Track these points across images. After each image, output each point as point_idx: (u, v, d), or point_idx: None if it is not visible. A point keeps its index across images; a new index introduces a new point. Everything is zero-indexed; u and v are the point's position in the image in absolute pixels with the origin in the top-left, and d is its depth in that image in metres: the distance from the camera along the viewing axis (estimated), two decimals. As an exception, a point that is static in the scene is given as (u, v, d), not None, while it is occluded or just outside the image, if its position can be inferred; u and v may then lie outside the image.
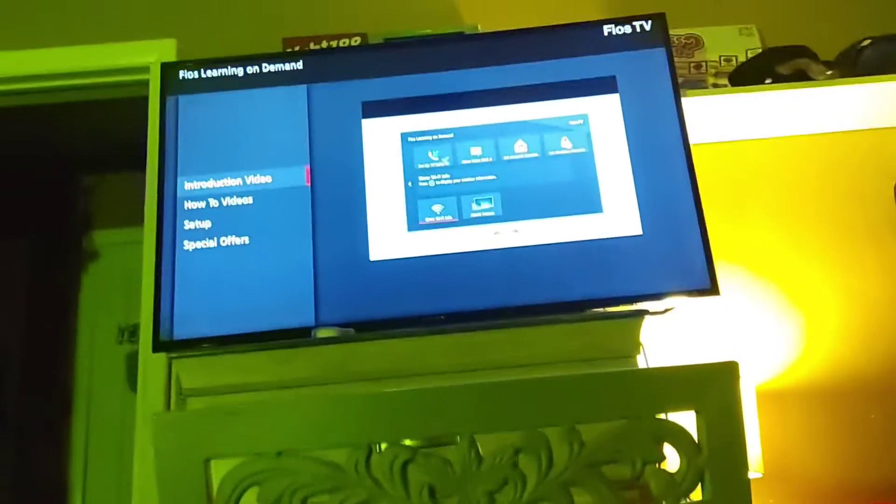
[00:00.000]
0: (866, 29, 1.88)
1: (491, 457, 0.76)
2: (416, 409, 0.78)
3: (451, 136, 1.61)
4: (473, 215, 1.54)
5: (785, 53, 1.74)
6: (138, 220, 1.88)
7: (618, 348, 1.37)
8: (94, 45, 2.06)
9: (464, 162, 1.58)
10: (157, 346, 1.44)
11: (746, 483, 0.78)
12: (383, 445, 0.77)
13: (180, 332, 1.45)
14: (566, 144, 1.59)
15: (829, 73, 1.70)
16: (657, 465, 0.78)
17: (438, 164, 1.58)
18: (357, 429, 0.77)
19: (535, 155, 1.58)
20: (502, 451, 0.76)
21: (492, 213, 1.54)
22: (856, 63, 1.70)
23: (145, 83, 2.01)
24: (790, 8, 2.03)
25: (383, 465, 0.76)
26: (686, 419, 0.79)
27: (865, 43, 1.72)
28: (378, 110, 1.63)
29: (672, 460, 0.79)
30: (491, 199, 1.55)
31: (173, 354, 1.45)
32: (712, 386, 0.78)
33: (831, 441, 1.68)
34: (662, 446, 0.77)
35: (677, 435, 0.78)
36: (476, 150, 1.59)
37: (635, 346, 1.38)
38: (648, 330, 1.41)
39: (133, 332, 2.89)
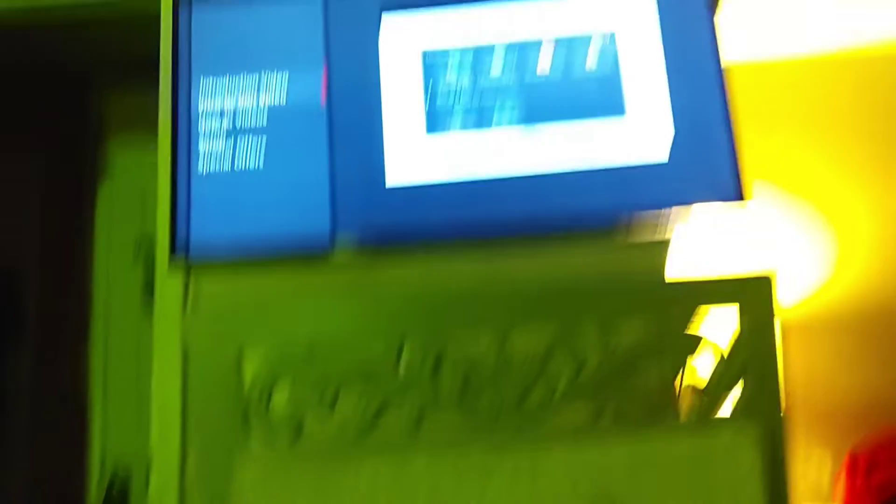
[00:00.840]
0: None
1: (523, 355, 0.74)
2: (449, 306, 0.76)
3: (471, 56, 1.54)
4: (494, 125, 1.49)
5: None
6: (152, 135, 1.86)
7: (643, 271, 1.32)
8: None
9: (484, 78, 1.52)
10: (174, 265, 1.43)
11: (779, 395, 0.75)
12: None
13: (196, 252, 1.44)
14: (593, 58, 1.52)
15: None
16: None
17: (459, 83, 1.52)
18: (391, 324, 0.75)
19: (560, 70, 1.52)
20: (535, 348, 0.73)
21: (513, 124, 1.49)
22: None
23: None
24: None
25: (414, 360, 0.74)
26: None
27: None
28: (397, 4, 1.56)
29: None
30: (512, 106, 1.50)
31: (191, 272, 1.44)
32: (748, 295, 0.74)
33: (858, 368, 1.63)
34: (700, 342, 0.74)
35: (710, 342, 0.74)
36: (497, 67, 1.53)
37: (661, 268, 1.33)
38: (675, 251, 1.36)
39: (150, 246, 2.87)
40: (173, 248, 1.43)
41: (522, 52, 1.54)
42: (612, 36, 1.53)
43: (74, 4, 2.04)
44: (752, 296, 0.76)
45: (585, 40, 1.53)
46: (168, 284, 1.58)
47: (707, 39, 1.50)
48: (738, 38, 1.64)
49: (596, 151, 1.46)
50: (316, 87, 1.54)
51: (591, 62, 1.52)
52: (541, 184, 1.45)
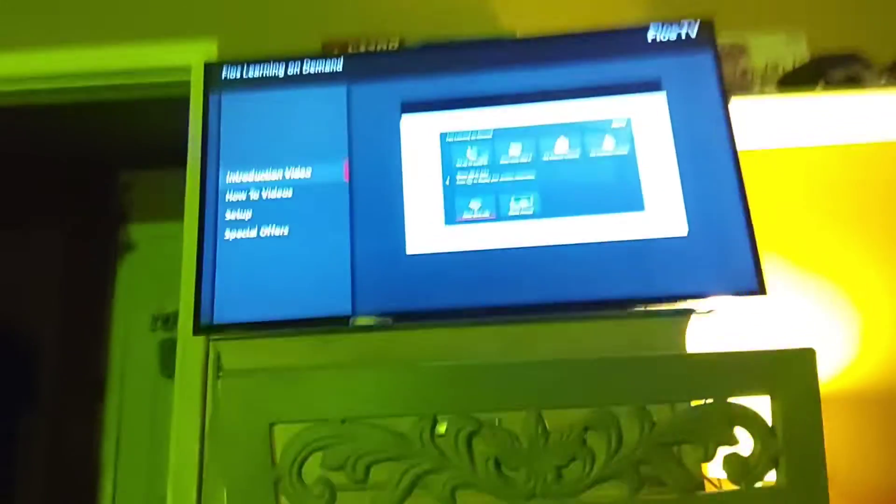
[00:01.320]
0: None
1: (559, 432, 0.74)
2: (483, 381, 0.76)
3: (490, 136, 1.60)
4: (511, 212, 1.53)
5: (836, 60, 1.70)
6: (173, 215, 1.89)
7: (663, 347, 1.34)
8: (137, 44, 2.09)
9: (503, 161, 1.57)
10: (198, 329, 1.44)
11: (823, 470, 0.74)
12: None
13: (220, 317, 1.46)
14: (608, 145, 1.57)
15: (884, 80, 1.66)
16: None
17: (477, 163, 1.57)
18: (423, 399, 0.76)
19: (576, 155, 1.56)
20: (571, 427, 0.74)
21: (530, 211, 1.52)
22: (910, 69, 1.67)
23: (186, 83, 2.04)
24: (840, 14, 2.00)
25: (449, 436, 0.74)
26: (758, 404, 0.76)
27: (920, 49, 1.68)
28: (417, 108, 1.63)
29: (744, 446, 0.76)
30: (530, 197, 1.54)
31: (214, 336, 1.45)
32: (789, 371, 0.75)
33: (883, 447, 1.61)
34: (735, 429, 0.74)
35: (751, 419, 0.75)
36: (515, 150, 1.58)
37: (680, 345, 1.34)
38: (697, 328, 1.38)
39: (166, 321, 2.94)
40: (198, 314, 1.45)
41: (540, 136, 1.58)
42: (629, 122, 1.58)
43: (106, 86, 2.11)
44: (794, 371, 0.76)
45: (602, 127, 1.58)
46: (190, 351, 1.59)
47: (721, 132, 1.55)
48: (751, 126, 1.70)
49: (615, 240, 1.48)
50: (339, 173, 1.59)
51: (609, 147, 1.56)
52: (560, 258, 1.47)
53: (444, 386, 0.78)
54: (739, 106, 1.63)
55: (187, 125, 1.96)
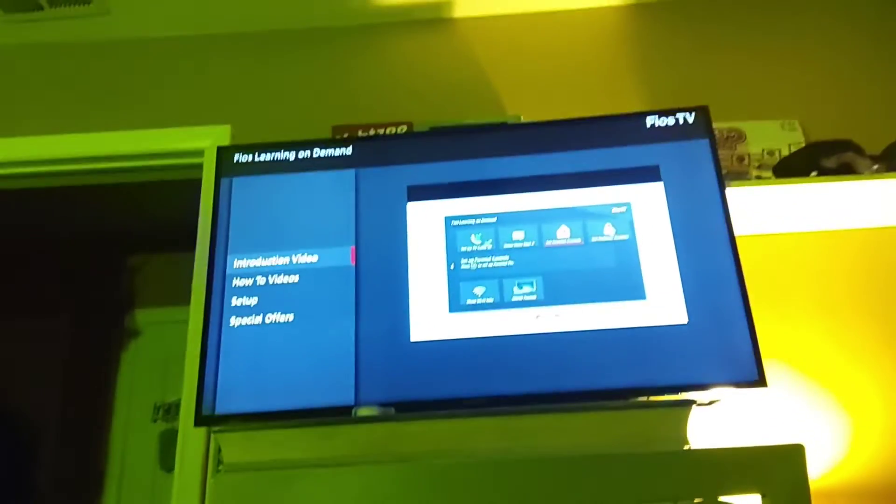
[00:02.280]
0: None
1: None
2: (481, 480, 0.77)
3: (494, 220, 1.63)
4: (515, 298, 1.54)
5: (830, 147, 1.74)
6: (180, 299, 1.92)
7: (663, 438, 1.33)
8: (152, 129, 2.16)
9: (506, 246, 1.60)
10: (199, 420, 1.44)
11: None
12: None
13: (222, 407, 1.46)
14: (609, 231, 1.60)
15: (876, 167, 1.69)
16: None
17: (481, 248, 1.60)
18: (422, 498, 0.76)
19: (578, 241, 1.59)
20: None
21: (533, 297, 1.54)
22: (902, 157, 1.71)
23: (198, 166, 2.09)
24: (833, 102, 2.06)
25: None
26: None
27: (911, 137, 1.73)
28: (423, 194, 1.67)
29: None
30: (533, 282, 1.56)
31: (215, 428, 1.45)
32: (779, 468, 0.75)
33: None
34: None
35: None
36: (518, 235, 1.61)
37: (681, 436, 1.34)
38: (694, 421, 1.37)
39: (168, 411, 2.92)
40: (200, 404, 1.45)
41: (543, 221, 1.61)
42: (629, 206, 1.61)
43: (119, 168, 2.17)
44: (784, 467, 0.76)
45: (603, 213, 1.61)
46: (191, 443, 1.59)
47: (719, 219, 1.58)
48: (748, 212, 1.74)
49: (616, 327, 1.49)
50: (346, 258, 1.62)
51: (609, 235, 1.59)
52: (562, 345, 1.48)
53: (441, 485, 0.78)
54: (736, 193, 1.66)
55: (198, 208, 2.00)
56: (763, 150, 1.95)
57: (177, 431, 2.78)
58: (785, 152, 1.93)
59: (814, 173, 1.71)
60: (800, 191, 1.69)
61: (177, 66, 2.28)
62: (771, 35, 2.18)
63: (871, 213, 1.80)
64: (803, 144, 1.93)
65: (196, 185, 2.06)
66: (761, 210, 1.77)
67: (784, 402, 1.69)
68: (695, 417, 1.39)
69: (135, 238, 3.35)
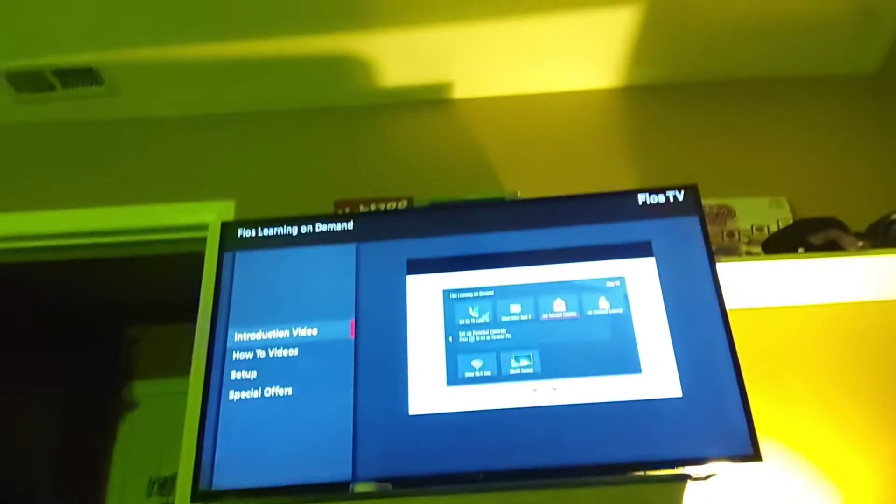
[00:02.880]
0: (894, 201, 1.96)
1: None
2: None
3: (492, 293, 1.66)
4: (512, 371, 1.57)
5: (816, 224, 1.79)
6: (178, 370, 1.92)
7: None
8: (158, 204, 2.21)
9: (503, 319, 1.63)
10: (196, 496, 1.44)
11: None
12: None
13: (220, 483, 1.45)
14: (604, 305, 1.63)
15: (861, 244, 1.74)
16: None
17: (479, 321, 1.63)
18: None
19: (574, 314, 1.62)
20: None
21: (531, 370, 1.56)
22: (886, 235, 1.75)
23: (202, 240, 2.13)
24: (819, 181, 2.12)
25: None
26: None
27: (894, 216, 1.77)
28: (422, 267, 1.71)
29: None
30: (530, 355, 1.58)
31: None
32: None
33: None
34: None
35: None
36: (516, 308, 1.64)
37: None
38: (690, 497, 1.38)
39: (163, 485, 2.87)
40: (197, 479, 1.44)
41: (539, 294, 1.65)
42: (623, 280, 1.65)
43: (124, 243, 2.21)
44: None
45: (598, 286, 1.64)
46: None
47: (710, 293, 1.62)
48: (737, 287, 1.77)
49: (612, 401, 1.51)
50: (345, 331, 1.64)
51: (605, 308, 1.62)
52: (558, 419, 1.49)
53: None
54: (726, 269, 1.70)
55: (200, 281, 2.04)
56: (752, 226, 2.00)
57: (170, 507, 2.77)
58: (773, 228, 1.98)
59: (801, 249, 1.76)
60: (787, 267, 1.73)
61: (183, 144, 2.35)
62: (760, 116, 2.27)
63: (856, 289, 1.84)
64: (791, 221, 1.98)
65: (199, 258, 2.10)
66: (751, 286, 1.81)
67: (776, 479, 1.69)
68: (691, 493, 1.39)
69: (137, 309, 3.36)
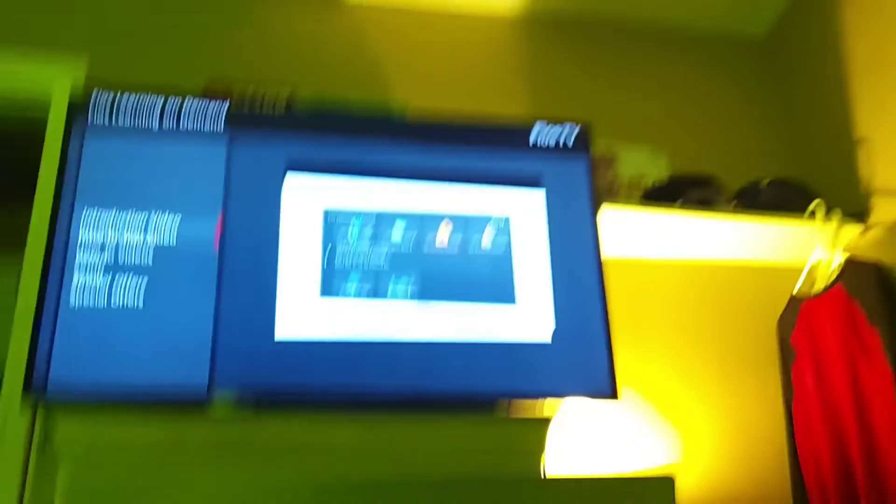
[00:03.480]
0: (767, 166, 2.07)
1: None
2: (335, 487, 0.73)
3: (374, 220, 1.57)
4: (390, 292, 1.51)
5: (694, 181, 1.86)
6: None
7: (522, 449, 1.37)
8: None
9: (383, 247, 1.55)
10: (29, 392, 1.27)
11: None
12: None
13: (57, 380, 1.29)
14: (486, 243, 1.60)
15: (734, 203, 1.82)
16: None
17: (358, 246, 1.54)
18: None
19: (455, 251, 1.58)
20: None
21: (406, 293, 1.51)
22: (754, 199, 1.85)
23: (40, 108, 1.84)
24: (698, 138, 2.21)
25: None
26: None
27: (764, 182, 1.87)
28: (302, 166, 1.58)
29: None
30: (407, 281, 1.53)
31: (50, 403, 1.29)
32: (651, 499, 0.79)
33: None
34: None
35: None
36: (397, 237, 1.57)
37: (540, 445, 1.38)
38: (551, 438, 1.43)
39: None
40: (28, 383, 1.27)
41: (422, 224, 1.59)
42: (507, 220, 1.62)
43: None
44: (655, 496, 0.80)
45: (482, 221, 1.61)
46: (15, 424, 1.40)
47: (590, 237, 1.63)
48: (612, 234, 1.81)
49: (485, 330, 1.50)
50: (209, 231, 1.49)
51: (487, 243, 1.60)
52: (429, 353, 1.46)
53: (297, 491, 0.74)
54: (606, 214, 1.73)
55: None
56: (630, 176, 2.03)
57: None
58: (651, 180, 2.02)
59: (679, 202, 1.81)
60: (663, 219, 1.79)
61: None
62: (650, 66, 2.30)
63: (720, 248, 1.94)
64: (668, 174, 2.03)
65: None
66: (625, 233, 1.86)
67: (625, 422, 1.79)
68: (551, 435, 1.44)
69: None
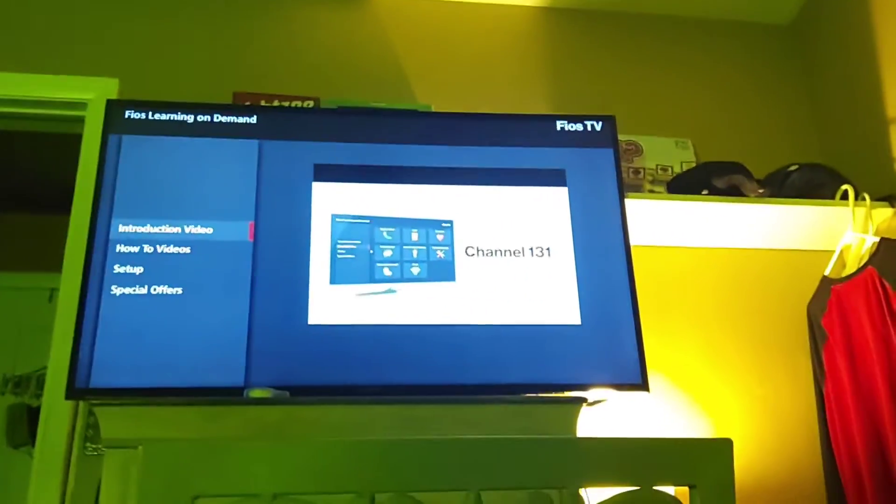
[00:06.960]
0: (794, 152, 2.05)
1: None
2: (422, 459, 0.74)
3: (395, 229, 1.60)
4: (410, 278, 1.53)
5: (722, 168, 1.84)
6: (41, 264, 1.73)
7: (555, 432, 1.37)
8: (31, 74, 1.96)
9: (405, 247, 1.58)
10: (71, 393, 1.32)
11: None
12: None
13: (98, 381, 1.34)
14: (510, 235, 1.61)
15: (761, 191, 1.81)
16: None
17: (388, 242, 1.57)
18: (360, 476, 0.72)
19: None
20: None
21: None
22: (782, 185, 1.83)
23: (79, 121, 1.92)
24: (724, 126, 2.19)
25: None
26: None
27: (793, 168, 1.85)
28: (329, 174, 1.62)
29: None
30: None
31: (94, 402, 1.33)
32: (708, 461, 0.79)
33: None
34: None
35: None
36: (415, 236, 1.59)
37: (571, 431, 1.38)
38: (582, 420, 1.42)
39: (18, 384, 2.67)
40: (73, 376, 1.32)
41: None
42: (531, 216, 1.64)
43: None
44: (713, 460, 0.80)
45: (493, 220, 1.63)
46: (56, 418, 1.44)
47: (617, 225, 1.63)
48: (639, 223, 1.81)
49: (514, 323, 1.52)
50: (244, 233, 1.53)
51: (510, 240, 1.61)
52: (458, 347, 1.48)
53: (381, 463, 0.75)
54: (631, 204, 1.73)
55: (72, 168, 1.82)
56: (657, 166, 2.04)
57: (26, 406, 2.56)
58: (677, 169, 2.02)
59: (705, 192, 1.81)
60: (690, 208, 1.78)
61: (68, 17, 2.08)
62: (674, 56, 2.29)
63: (751, 236, 1.93)
64: (695, 163, 2.03)
65: (75, 141, 1.88)
66: (653, 223, 1.85)
67: (657, 408, 1.78)
68: (583, 416, 1.43)
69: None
